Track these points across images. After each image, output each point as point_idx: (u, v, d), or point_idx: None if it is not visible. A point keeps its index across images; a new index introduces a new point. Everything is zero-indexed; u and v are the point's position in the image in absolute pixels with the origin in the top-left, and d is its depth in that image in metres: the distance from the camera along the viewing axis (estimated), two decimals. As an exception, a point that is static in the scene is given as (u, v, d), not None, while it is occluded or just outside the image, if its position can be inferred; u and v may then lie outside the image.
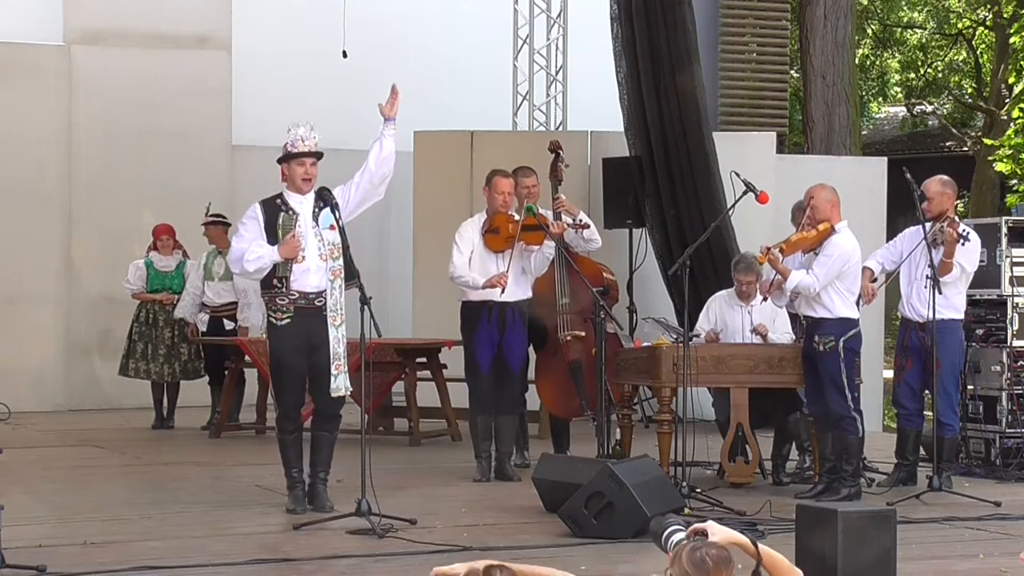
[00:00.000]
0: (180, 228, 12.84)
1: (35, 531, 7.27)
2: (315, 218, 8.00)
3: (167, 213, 13.44)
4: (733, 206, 9.09)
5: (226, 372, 12.23)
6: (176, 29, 15.08)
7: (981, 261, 9.52)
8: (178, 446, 11.62)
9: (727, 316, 9.60)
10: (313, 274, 7.99)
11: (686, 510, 7.73)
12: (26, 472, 9.77)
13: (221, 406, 12.21)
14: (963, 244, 8.92)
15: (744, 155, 12.56)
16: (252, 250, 8.01)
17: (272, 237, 8.01)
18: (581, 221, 9.81)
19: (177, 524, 7.74)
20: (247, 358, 11.89)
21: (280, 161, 8.18)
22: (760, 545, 4.00)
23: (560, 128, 15.10)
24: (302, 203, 8.06)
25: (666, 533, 4.10)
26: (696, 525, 4.04)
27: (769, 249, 8.62)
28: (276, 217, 8.06)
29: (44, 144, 14.52)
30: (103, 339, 14.48)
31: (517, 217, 9.35)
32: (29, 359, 14.27)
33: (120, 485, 9.45)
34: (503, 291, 9.21)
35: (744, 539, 4.01)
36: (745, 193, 8.71)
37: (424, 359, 11.71)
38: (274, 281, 8.04)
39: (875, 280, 9.25)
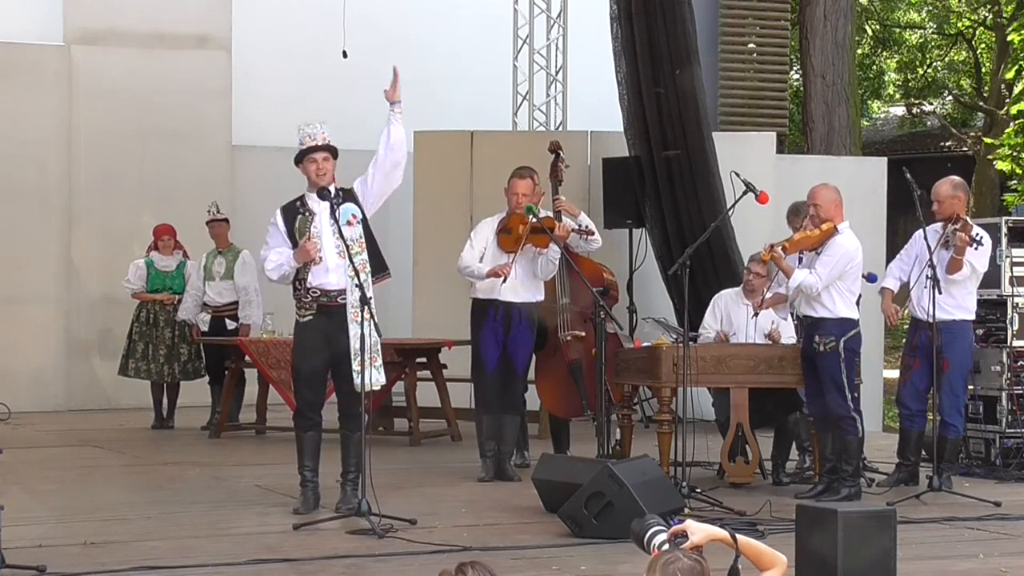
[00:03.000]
0: (180, 228, 12.84)
1: (35, 531, 7.27)
2: (333, 216, 7.98)
3: (167, 213, 13.44)
4: (733, 206, 9.09)
5: (226, 372, 12.24)
6: (176, 29, 15.08)
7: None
8: (178, 446, 11.62)
9: (733, 314, 9.61)
10: (332, 272, 7.97)
11: (686, 510, 7.73)
12: (26, 472, 9.76)
13: (221, 406, 12.21)
14: (976, 248, 8.92)
15: (744, 155, 12.56)
16: (271, 258, 8.07)
17: (295, 241, 8.03)
18: (588, 227, 9.79)
19: (177, 524, 7.74)
20: (247, 358, 11.89)
21: (296, 163, 8.16)
22: (740, 537, 4.02)
23: (560, 128, 15.10)
24: (320, 203, 8.06)
25: (648, 535, 4.11)
26: (675, 527, 4.05)
27: (772, 247, 8.63)
28: (294, 220, 8.07)
29: (44, 144, 14.52)
30: (103, 339, 14.49)
31: (533, 219, 9.34)
32: (29, 359, 14.28)
33: (120, 485, 9.45)
34: (504, 281, 9.21)
35: (723, 533, 4.03)
36: (745, 193, 8.71)
37: (424, 359, 11.71)
38: (296, 284, 8.07)
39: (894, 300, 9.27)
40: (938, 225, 9.11)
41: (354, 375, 7.79)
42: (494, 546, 6.99)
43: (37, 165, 14.50)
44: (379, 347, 7.90)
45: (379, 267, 8.05)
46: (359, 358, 7.75)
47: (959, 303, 9.09)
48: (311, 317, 8.06)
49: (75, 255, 14.71)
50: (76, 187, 14.68)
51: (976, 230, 8.97)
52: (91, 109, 14.70)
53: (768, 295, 9.06)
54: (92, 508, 8.31)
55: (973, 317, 9.27)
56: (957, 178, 9.25)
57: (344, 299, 7.94)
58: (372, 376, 7.82)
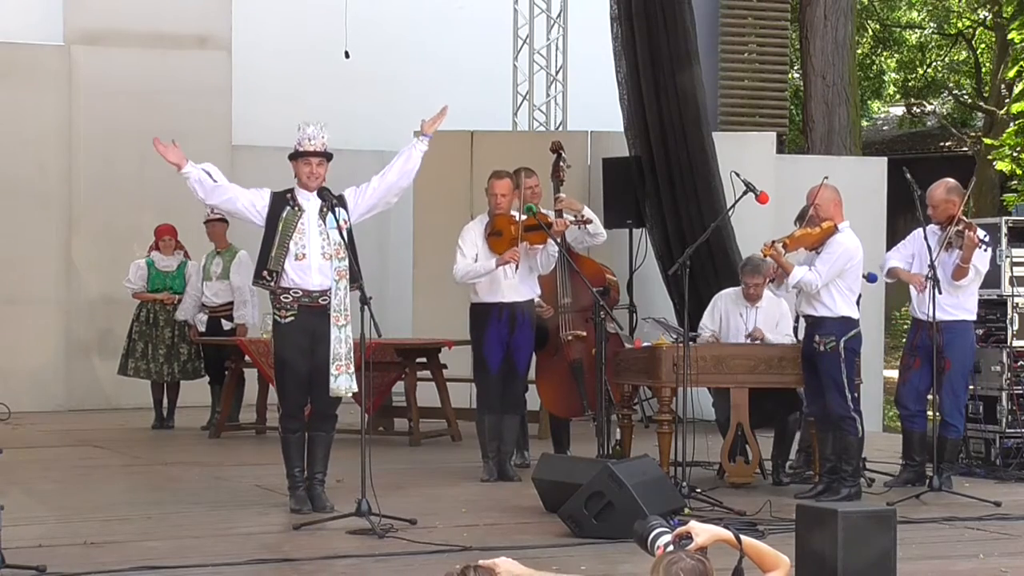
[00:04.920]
0: (180, 228, 12.84)
1: (35, 531, 7.27)
2: (322, 217, 8.00)
3: (167, 213, 13.43)
4: (733, 206, 9.08)
5: (226, 372, 12.24)
6: (176, 29, 15.08)
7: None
8: (178, 446, 11.62)
9: (731, 315, 9.60)
10: (315, 272, 7.97)
11: (686, 510, 7.73)
12: (26, 472, 9.76)
13: (221, 406, 12.21)
14: (985, 251, 8.92)
15: (744, 155, 12.56)
16: (240, 191, 8.14)
17: (271, 227, 8.01)
18: (584, 216, 9.76)
19: (177, 524, 7.74)
20: (247, 358, 11.89)
21: (290, 158, 8.20)
22: (744, 538, 4.02)
23: (560, 128, 15.10)
24: (309, 200, 8.06)
25: (651, 536, 4.11)
26: (679, 529, 4.05)
27: (773, 243, 8.61)
28: (281, 209, 8.05)
29: (44, 144, 14.52)
30: (103, 339, 14.49)
31: (519, 217, 9.33)
32: (29, 359, 14.28)
33: (120, 485, 9.45)
34: (517, 268, 9.17)
35: (727, 534, 4.04)
36: (745, 193, 8.71)
37: (424, 359, 11.71)
38: (264, 274, 8.03)
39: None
40: (936, 226, 9.10)
41: (331, 379, 7.83)
42: (494, 546, 6.98)
43: (37, 165, 14.50)
44: (352, 354, 7.92)
45: (353, 278, 7.97)
46: (336, 363, 7.81)
47: (960, 303, 9.09)
48: (292, 318, 8.00)
49: (75, 255, 14.70)
50: (76, 187, 14.68)
51: (980, 232, 8.96)
52: (91, 109, 14.69)
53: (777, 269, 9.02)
54: (92, 508, 8.30)
55: (974, 317, 9.27)
56: (951, 181, 9.23)
57: (326, 300, 7.94)
58: (343, 382, 7.86)
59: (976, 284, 9.20)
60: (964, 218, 9.04)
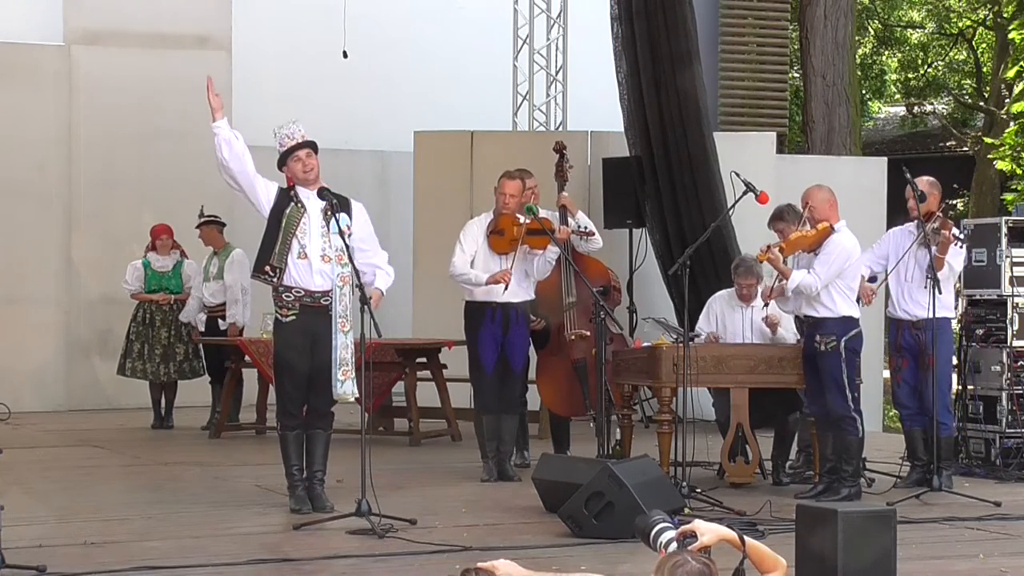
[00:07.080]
0: (179, 228, 12.83)
1: (35, 531, 7.27)
2: (325, 219, 7.98)
3: (167, 213, 13.43)
4: (733, 206, 9.09)
5: (226, 372, 12.23)
6: (176, 29, 15.08)
7: (980, 261, 9.53)
8: (178, 446, 11.62)
9: (727, 317, 9.60)
10: (316, 273, 7.95)
11: (686, 510, 7.73)
12: (26, 472, 9.76)
13: (221, 406, 12.21)
14: (961, 247, 8.93)
15: (744, 155, 12.56)
16: (250, 169, 7.98)
17: (275, 222, 7.98)
18: (586, 228, 9.76)
19: (177, 524, 7.75)
20: (247, 358, 11.89)
21: (280, 166, 8.13)
22: (746, 538, 4.02)
23: (560, 128, 15.10)
24: (310, 198, 8.03)
25: (654, 532, 4.10)
26: (684, 527, 4.04)
27: (769, 247, 8.61)
28: (285, 205, 8.01)
29: (44, 144, 14.52)
30: (103, 339, 14.49)
31: (523, 220, 9.33)
32: (29, 359, 14.28)
33: (120, 485, 9.45)
34: (506, 288, 9.20)
35: (731, 534, 4.03)
36: (745, 193, 8.71)
37: (424, 359, 11.71)
38: (267, 269, 8.00)
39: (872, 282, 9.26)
40: (911, 225, 9.15)
41: (335, 383, 7.84)
42: (494, 546, 6.99)
43: (37, 165, 14.50)
44: (354, 357, 7.91)
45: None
46: (343, 368, 7.81)
47: (941, 302, 9.09)
48: (294, 317, 8.01)
49: (75, 255, 14.70)
50: (76, 187, 14.68)
51: (956, 230, 9.00)
52: (91, 109, 14.69)
53: (773, 283, 9.03)
54: (92, 508, 8.31)
55: (953, 315, 9.31)
56: (931, 178, 9.28)
57: (327, 301, 7.93)
58: (348, 388, 7.87)
59: (951, 282, 9.23)
60: (937, 213, 9.08)
